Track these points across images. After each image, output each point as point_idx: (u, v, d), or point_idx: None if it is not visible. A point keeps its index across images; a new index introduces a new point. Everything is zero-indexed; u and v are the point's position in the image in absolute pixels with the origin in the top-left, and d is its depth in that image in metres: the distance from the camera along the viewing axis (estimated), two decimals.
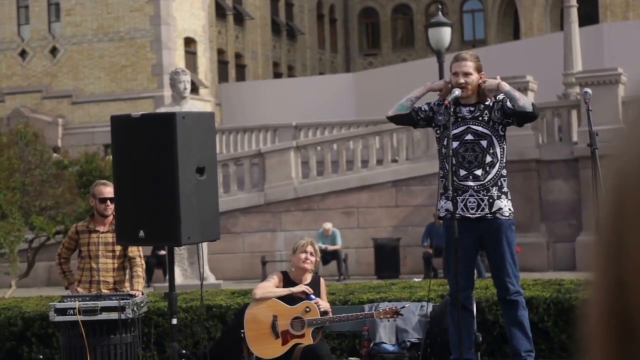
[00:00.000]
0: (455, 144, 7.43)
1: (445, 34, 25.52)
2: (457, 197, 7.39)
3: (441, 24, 25.76)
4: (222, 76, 41.92)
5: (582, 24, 27.25)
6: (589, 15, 37.51)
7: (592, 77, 22.71)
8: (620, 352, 0.89)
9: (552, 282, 10.52)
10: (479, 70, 7.59)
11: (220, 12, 41.86)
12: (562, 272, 19.79)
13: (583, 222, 21.54)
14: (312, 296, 8.12)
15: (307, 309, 7.95)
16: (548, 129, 23.63)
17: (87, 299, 8.27)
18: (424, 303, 9.07)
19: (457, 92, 7.41)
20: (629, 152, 0.89)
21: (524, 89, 23.24)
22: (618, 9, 39.42)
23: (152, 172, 6.97)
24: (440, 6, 29.52)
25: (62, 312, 8.18)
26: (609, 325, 0.89)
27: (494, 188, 7.47)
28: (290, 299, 7.98)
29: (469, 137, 7.49)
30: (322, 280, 8.30)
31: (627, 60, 25.68)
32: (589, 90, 8.34)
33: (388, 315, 8.10)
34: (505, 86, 7.49)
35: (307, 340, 7.93)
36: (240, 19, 43.63)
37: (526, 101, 7.50)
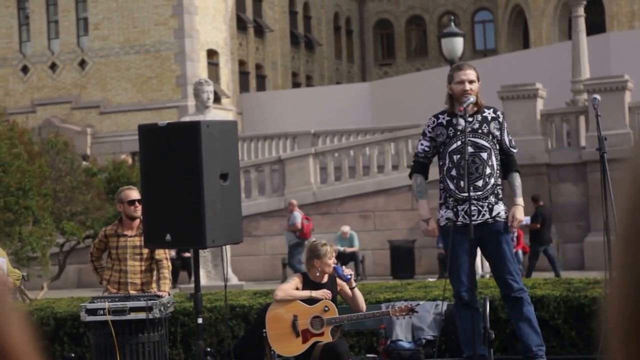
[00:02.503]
0: (456, 157, 7.61)
1: (457, 44, 25.72)
2: (458, 207, 7.57)
3: (454, 34, 25.96)
4: (243, 86, 42.17)
5: (589, 33, 27.20)
6: (596, 25, 37.49)
7: (600, 84, 22.73)
8: None
9: (561, 281, 10.61)
10: (478, 79, 7.85)
11: (241, 25, 42.13)
12: (571, 272, 19.87)
13: (591, 223, 21.70)
14: (348, 275, 8.31)
15: (326, 309, 8.06)
16: (557, 134, 23.74)
17: (116, 299, 8.35)
18: (439, 302, 9.07)
19: (472, 98, 7.58)
20: None
21: (533, 96, 23.52)
22: (624, 18, 39.51)
23: (178, 178, 7.03)
24: (452, 17, 29.69)
25: (92, 312, 8.30)
26: (630, 320, 0.89)
27: (492, 196, 7.69)
28: (309, 299, 8.12)
29: (469, 149, 7.64)
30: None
31: (633, 68, 25.62)
32: (598, 97, 8.35)
33: (404, 313, 8.21)
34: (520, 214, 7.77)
35: (327, 338, 8.03)
36: (260, 31, 43.89)
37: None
